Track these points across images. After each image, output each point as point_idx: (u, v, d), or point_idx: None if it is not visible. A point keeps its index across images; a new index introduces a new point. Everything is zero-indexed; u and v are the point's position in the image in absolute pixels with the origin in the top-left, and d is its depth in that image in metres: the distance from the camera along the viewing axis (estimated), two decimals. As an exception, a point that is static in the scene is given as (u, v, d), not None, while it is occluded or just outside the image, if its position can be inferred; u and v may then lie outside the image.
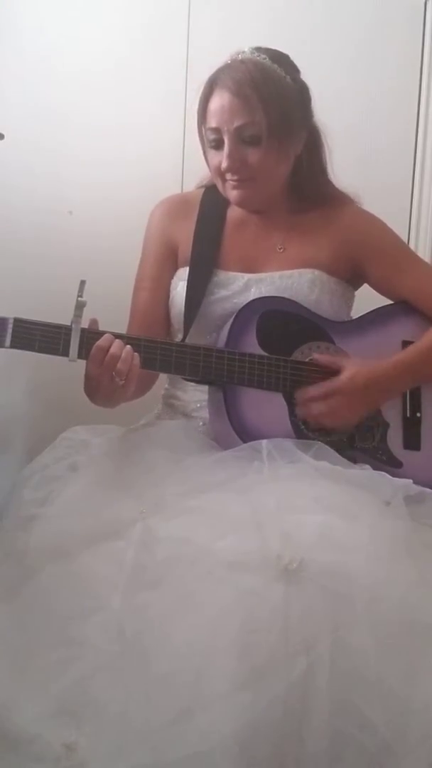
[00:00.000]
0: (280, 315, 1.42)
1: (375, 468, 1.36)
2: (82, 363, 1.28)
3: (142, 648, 1.07)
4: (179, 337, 1.50)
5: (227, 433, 1.36)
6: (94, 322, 1.30)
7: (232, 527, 1.15)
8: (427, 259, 2.03)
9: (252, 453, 1.29)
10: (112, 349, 1.26)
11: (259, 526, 1.13)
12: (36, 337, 1.24)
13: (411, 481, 1.29)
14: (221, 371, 1.36)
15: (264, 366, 1.38)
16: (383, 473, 1.31)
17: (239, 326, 1.40)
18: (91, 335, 1.27)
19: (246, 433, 1.35)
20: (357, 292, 1.58)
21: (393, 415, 1.46)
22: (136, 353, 1.28)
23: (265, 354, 1.39)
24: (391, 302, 1.55)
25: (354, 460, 1.38)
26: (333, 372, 1.40)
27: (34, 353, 1.26)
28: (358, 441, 1.43)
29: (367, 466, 1.37)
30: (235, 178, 1.43)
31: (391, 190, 2.06)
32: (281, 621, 1.04)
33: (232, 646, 1.03)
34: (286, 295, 1.44)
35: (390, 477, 1.29)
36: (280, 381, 1.38)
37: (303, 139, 1.48)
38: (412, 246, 2.06)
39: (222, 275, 1.48)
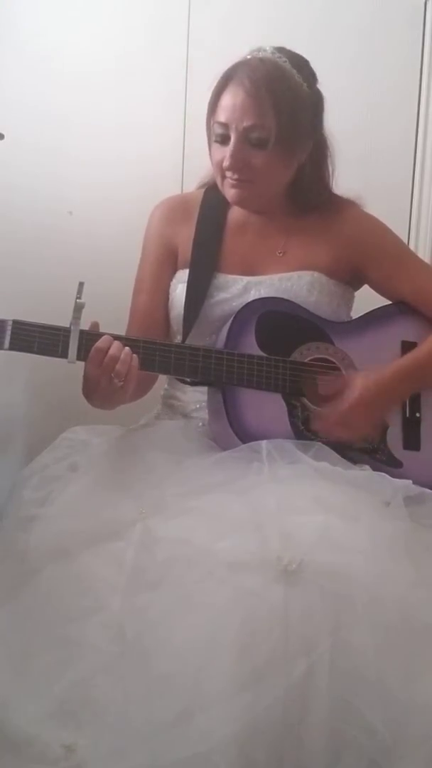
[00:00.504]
0: (279, 316, 1.42)
1: (375, 468, 1.36)
2: (82, 364, 1.28)
3: (142, 649, 1.07)
4: (178, 339, 1.50)
5: (226, 433, 1.36)
6: (95, 324, 1.30)
7: (232, 528, 1.15)
8: (427, 260, 2.03)
9: (252, 454, 1.29)
10: (111, 351, 1.26)
11: (258, 527, 1.13)
12: (35, 338, 1.24)
13: (411, 481, 1.29)
14: (220, 372, 1.36)
15: (263, 367, 1.38)
16: (383, 474, 1.31)
17: (238, 327, 1.40)
18: (89, 337, 1.27)
19: (245, 434, 1.35)
20: (357, 293, 1.58)
21: (392, 415, 1.46)
22: (134, 354, 1.28)
23: (264, 355, 1.39)
24: (390, 302, 1.54)
25: (354, 461, 1.38)
26: (335, 373, 1.41)
27: (33, 354, 1.26)
28: (358, 441, 1.43)
29: (367, 467, 1.37)
30: (235, 177, 1.43)
31: (391, 190, 2.06)
32: (281, 622, 1.04)
33: (232, 646, 1.03)
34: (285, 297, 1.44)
35: (390, 478, 1.29)
36: (279, 381, 1.38)
37: (309, 149, 1.47)
38: (412, 246, 2.06)
39: (221, 278, 1.48)
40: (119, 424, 1.51)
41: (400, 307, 1.52)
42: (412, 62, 2.05)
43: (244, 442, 1.33)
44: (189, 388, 1.49)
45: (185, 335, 1.47)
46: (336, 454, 1.34)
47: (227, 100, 1.40)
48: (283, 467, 1.26)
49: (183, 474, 1.29)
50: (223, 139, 1.41)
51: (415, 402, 1.47)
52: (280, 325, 1.42)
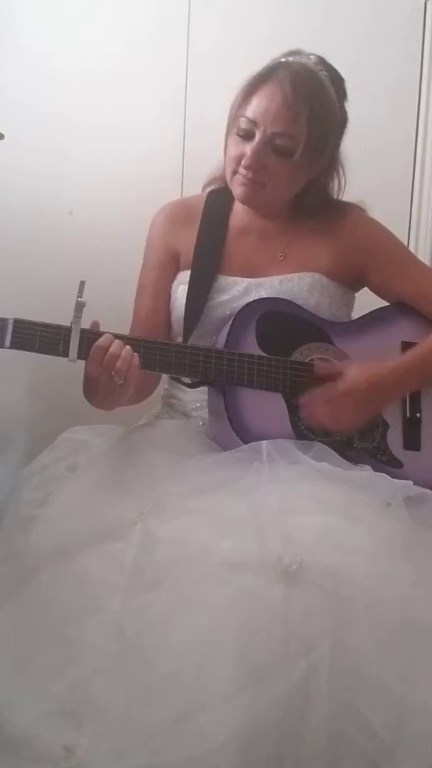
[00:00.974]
0: (279, 316, 1.42)
1: (375, 468, 1.36)
2: (82, 364, 1.28)
3: (142, 649, 1.07)
4: (179, 340, 1.50)
5: (227, 433, 1.36)
6: (95, 323, 1.30)
7: (232, 528, 1.15)
8: (427, 260, 2.04)
9: (252, 454, 1.29)
10: (112, 349, 1.26)
11: (259, 528, 1.13)
12: (36, 337, 1.24)
13: (411, 482, 1.29)
14: (221, 372, 1.36)
15: (263, 366, 1.38)
16: (383, 474, 1.30)
17: (238, 327, 1.40)
18: (90, 336, 1.27)
19: (245, 434, 1.35)
20: (357, 294, 1.58)
21: (393, 415, 1.46)
22: (135, 353, 1.28)
23: (265, 355, 1.39)
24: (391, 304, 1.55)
25: (354, 461, 1.38)
26: (333, 368, 1.41)
27: (34, 354, 1.26)
28: (359, 441, 1.43)
29: (368, 467, 1.36)
30: (249, 176, 1.42)
31: (391, 190, 2.06)
32: (281, 622, 1.04)
33: (232, 647, 1.03)
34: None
35: (390, 478, 1.29)
36: (279, 381, 1.38)
37: (325, 165, 1.47)
38: (412, 246, 2.07)
39: (222, 280, 1.48)
40: (119, 424, 1.51)
41: (400, 308, 1.52)
42: (412, 62, 2.05)
43: (244, 441, 1.33)
44: (189, 388, 1.49)
45: (186, 337, 1.47)
46: (336, 455, 1.34)
47: (263, 100, 1.38)
48: (284, 468, 1.26)
49: (183, 474, 1.29)
50: (247, 135, 1.40)
51: (416, 402, 1.47)
52: (281, 325, 1.42)
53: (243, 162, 1.41)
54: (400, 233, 1.64)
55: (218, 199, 1.54)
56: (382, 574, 1.10)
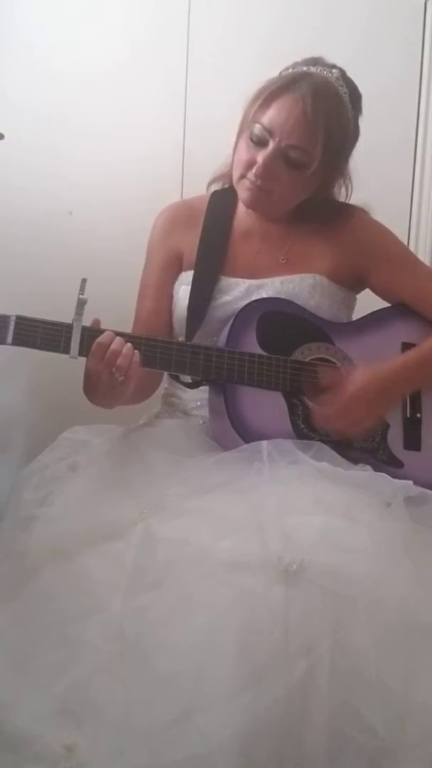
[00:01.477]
0: (280, 316, 1.42)
1: (375, 468, 1.36)
2: (83, 364, 1.28)
3: (142, 649, 1.07)
4: (181, 340, 1.50)
5: (227, 432, 1.36)
6: (96, 321, 1.30)
7: (232, 528, 1.15)
8: (427, 260, 2.04)
9: (252, 454, 1.29)
10: (113, 345, 1.27)
11: (259, 528, 1.13)
12: (37, 334, 1.25)
13: (411, 482, 1.29)
14: (221, 370, 1.36)
15: (264, 365, 1.38)
16: (384, 474, 1.30)
17: (239, 326, 1.40)
18: (91, 333, 1.27)
19: (246, 432, 1.35)
20: (357, 295, 1.58)
21: (393, 415, 1.46)
22: (136, 351, 1.28)
23: (265, 354, 1.39)
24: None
25: (354, 461, 1.38)
26: (335, 369, 1.41)
27: (34, 354, 1.26)
28: (359, 441, 1.43)
29: (368, 467, 1.37)
30: (257, 183, 1.41)
31: (391, 190, 2.06)
32: (281, 622, 1.04)
33: (233, 647, 1.03)
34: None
35: (390, 478, 1.29)
36: (280, 380, 1.38)
37: (335, 178, 1.48)
38: (412, 246, 2.06)
39: (224, 281, 1.48)
40: (119, 424, 1.51)
41: (401, 310, 1.52)
42: (412, 62, 2.05)
43: (245, 440, 1.33)
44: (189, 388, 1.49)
45: (189, 337, 1.47)
46: (336, 454, 1.34)
47: (281, 111, 1.37)
48: (284, 467, 1.26)
49: (183, 474, 1.29)
50: (260, 142, 1.39)
51: (416, 402, 1.47)
52: (281, 324, 1.42)
53: (254, 169, 1.40)
54: (400, 233, 1.64)
55: (222, 201, 1.54)
56: (382, 574, 1.10)
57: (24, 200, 1.96)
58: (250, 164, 1.41)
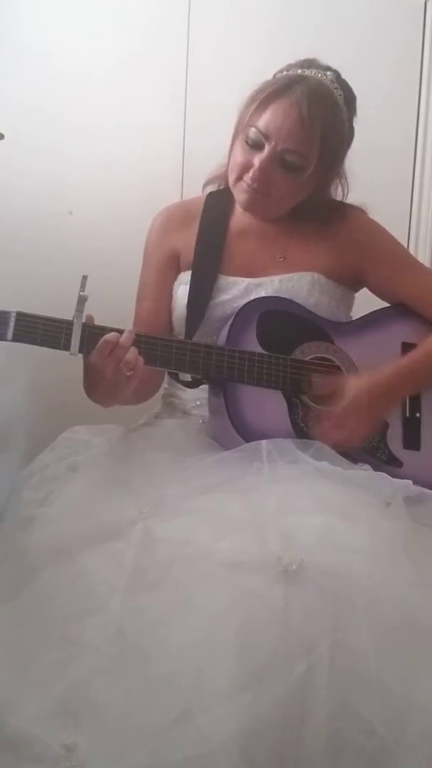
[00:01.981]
0: (280, 314, 1.42)
1: (375, 468, 1.36)
2: (82, 362, 1.28)
3: (142, 649, 1.07)
4: (180, 340, 1.50)
5: (227, 431, 1.36)
6: (89, 318, 1.29)
7: (232, 528, 1.15)
8: (427, 260, 2.04)
9: (252, 453, 1.29)
10: (122, 340, 1.26)
11: (259, 527, 1.13)
12: (38, 330, 1.25)
13: (411, 482, 1.29)
14: (221, 368, 1.36)
15: (264, 364, 1.38)
16: (383, 474, 1.30)
17: (239, 325, 1.40)
18: (92, 330, 1.27)
19: (246, 431, 1.35)
20: (357, 294, 1.58)
21: (393, 415, 1.46)
22: (140, 357, 1.28)
23: (265, 352, 1.39)
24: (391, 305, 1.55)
25: (354, 460, 1.38)
26: (336, 370, 1.41)
27: (34, 354, 1.26)
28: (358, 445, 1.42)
29: (367, 466, 1.37)
30: (254, 186, 1.41)
31: (391, 190, 2.06)
32: (281, 622, 1.03)
33: (232, 647, 1.03)
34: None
35: (390, 478, 1.29)
36: (279, 379, 1.38)
37: (331, 179, 1.48)
38: (412, 246, 2.07)
39: (223, 280, 1.48)
40: (119, 424, 1.51)
41: (401, 309, 1.52)
42: (412, 62, 2.05)
43: (245, 439, 1.33)
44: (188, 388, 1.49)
45: (189, 336, 1.47)
46: (336, 454, 1.34)
47: (277, 115, 1.37)
48: (284, 467, 1.26)
49: (183, 474, 1.29)
50: (255, 145, 1.39)
51: (416, 402, 1.47)
52: (281, 323, 1.42)
53: (250, 173, 1.41)
54: (400, 233, 1.65)
55: (218, 201, 1.54)
56: (382, 574, 1.10)
57: (24, 200, 1.96)
58: (246, 167, 1.41)
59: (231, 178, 1.46)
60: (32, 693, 1.08)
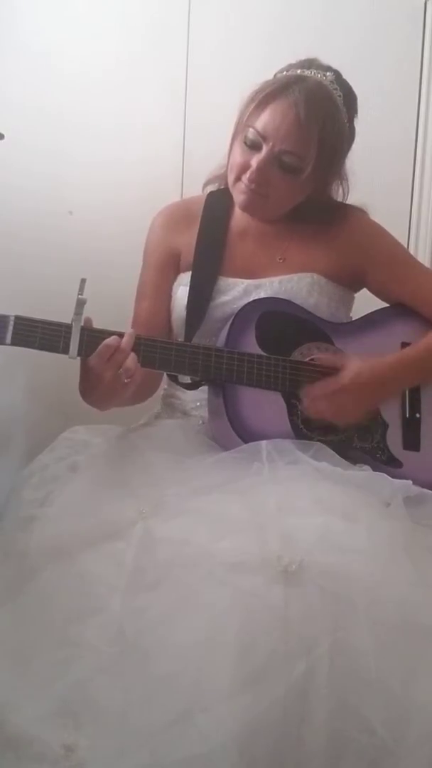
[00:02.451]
0: (279, 316, 1.42)
1: (374, 468, 1.36)
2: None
3: (142, 649, 1.07)
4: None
5: (227, 432, 1.36)
6: (88, 320, 1.29)
7: (232, 528, 1.15)
8: (427, 260, 2.04)
9: (252, 454, 1.29)
10: (122, 345, 1.26)
11: (259, 528, 1.13)
12: (36, 334, 1.24)
13: (411, 482, 1.29)
14: (220, 370, 1.36)
15: (263, 365, 1.38)
16: (383, 474, 1.31)
17: (238, 327, 1.40)
18: (91, 333, 1.27)
19: (245, 432, 1.35)
20: (357, 294, 1.58)
21: (392, 415, 1.46)
22: (139, 365, 1.28)
23: (264, 354, 1.39)
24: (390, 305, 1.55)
25: (353, 461, 1.38)
26: (334, 371, 1.40)
27: (34, 354, 1.26)
28: (358, 441, 1.43)
29: (367, 467, 1.37)
30: (252, 187, 1.41)
31: (391, 190, 2.06)
32: (281, 622, 1.04)
33: (232, 647, 1.03)
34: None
35: (390, 478, 1.29)
36: (279, 380, 1.38)
37: (331, 180, 1.48)
38: (412, 246, 2.07)
39: (222, 281, 1.48)
40: (119, 424, 1.51)
41: (401, 310, 1.52)
42: (412, 62, 2.05)
43: (244, 440, 1.33)
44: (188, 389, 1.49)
45: (188, 338, 1.47)
46: (336, 454, 1.34)
47: (275, 115, 1.37)
48: (283, 468, 1.26)
49: (183, 474, 1.29)
50: (254, 146, 1.39)
51: (415, 402, 1.47)
52: (281, 324, 1.42)
53: (248, 174, 1.40)
54: (400, 233, 1.64)
55: (218, 201, 1.54)
56: (381, 574, 1.10)
57: (24, 200, 1.96)
58: (244, 168, 1.41)
59: (230, 179, 1.46)
60: (32, 693, 1.08)
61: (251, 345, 1.39)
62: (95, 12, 2.00)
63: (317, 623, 1.04)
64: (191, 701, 1.01)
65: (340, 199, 1.53)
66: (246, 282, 1.48)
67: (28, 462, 1.47)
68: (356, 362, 1.39)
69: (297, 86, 1.38)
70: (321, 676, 1.01)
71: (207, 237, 1.51)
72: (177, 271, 1.54)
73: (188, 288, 1.48)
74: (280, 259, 1.51)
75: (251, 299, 1.44)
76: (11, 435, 1.91)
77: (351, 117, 1.45)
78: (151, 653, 1.06)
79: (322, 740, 1.00)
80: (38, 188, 1.98)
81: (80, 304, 1.25)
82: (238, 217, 1.54)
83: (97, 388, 1.28)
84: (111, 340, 1.26)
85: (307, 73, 1.41)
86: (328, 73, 1.42)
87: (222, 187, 1.56)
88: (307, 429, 1.39)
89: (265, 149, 1.38)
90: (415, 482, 1.30)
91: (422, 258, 2.02)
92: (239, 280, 1.48)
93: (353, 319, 1.55)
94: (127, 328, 1.34)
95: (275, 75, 1.45)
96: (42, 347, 1.25)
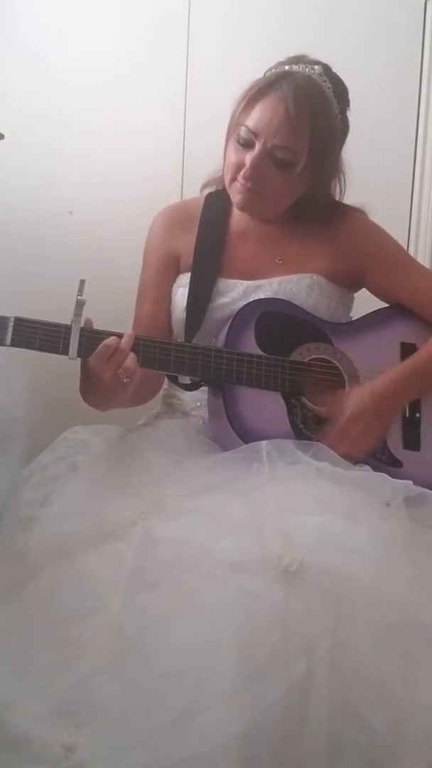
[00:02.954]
0: (279, 316, 1.43)
1: (374, 468, 1.36)
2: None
3: (142, 649, 1.07)
4: (180, 342, 1.50)
5: (226, 432, 1.36)
6: (88, 321, 1.29)
7: (232, 528, 1.15)
8: (427, 260, 2.04)
9: (252, 454, 1.29)
10: (122, 345, 1.26)
11: (259, 528, 1.13)
12: (36, 335, 1.25)
13: (411, 482, 1.29)
14: (220, 370, 1.36)
15: (262, 366, 1.38)
16: (383, 474, 1.30)
17: (238, 327, 1.40)
18: (90, 334, 1.27)
19: (245, 433, 1.35)
20: (356, 294, 1.58)
21: (392, 416, 1.46)
22: (134, 355, 1.28)
23: (264, 354, 1.39)
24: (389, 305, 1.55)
25: (353, 461, 1.38)
26: (335, 371, 1.41)
27: (34, 354, 1.26)
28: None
29: (367, 467, 1.37)
30: (248, 185, 1.41)
31: (391, 190, 2.06)
32: (281, 622, 1.04)
33: (232, 647, 1.03)
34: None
35: (390, 478, 1.29)
36: (278, 380, 1.39)
37: (326, 175, 1.47)
38: (412, 246, 2.07)
39: (222, 283, 1.48)
40: (119, 424, 1.51)
41: (400, 310, 1.52)
42: (412, 62, 2.05)
43: (244, 440, 1.33)
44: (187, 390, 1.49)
45: (188, 339, 1.47)
46: (336, 454, 1.34)
47: (265, 111, 1.37)
48: (283, 468, 1.26)
49: (183, 474, 1.29)
50: (247, 144, 1.39)
51: (415, 402, 1.47)
52: (280, 325, 1.42)
53: (242, 172, 1.41)
54: (400, 233, 1.64)
55: (217, 202, 1.54)
56: (382, 574, 1.10)
57: (24, 200, 1.96)
58: (239, 167, 1.41)
59: (226, 179, 1.46)
60: (32, 693, 1.08)
61: (251, 345, 1.39)
62: (95, 12, 2.00)
63: (317, 623, 1.04)
64: (191, 701, 1.02)
65: (337, 195, 1.53)
66: (245, 283, 1.48)
67: (28, 462, 1.46)
68: (355, 393, 1.39)
69: (285, 81, 1.38)
70: (321, 676, 1.01)
71: (206, 238, 1.52)
72: (177, 272, 1.54)
73: (188, 289, 1.48)
74: (279, 260, 1.51)
75: (250, 300, 1.44)
76: (11, 435, 1.91)
77: (343, 109, 1.45)
78: (151, 653, 1.07)
79: (322, 740, 1.00)
80: (38, 188, 1.98)
81: (80, 305, 1.25)
82: (237, 219, 1.54)
83: (97, 389, 1.28)
84: (110, 340, 1.26)
85: (295, 68, 1.42)
86: (316, 67, 1.42)
87: (220, 188, 1.56)
88: (306, 429, 1.39)
89: (257, 146, 1.38)
90: (416, 482, 1.30)
91: (422, 258, 2.02)
92: (239, 282, 1.48)
93: (353, 319, 1.55)
94: (128, 329, 1.34)
95: (264, 73, 1.45)
96: (42, 348, 1.25)
